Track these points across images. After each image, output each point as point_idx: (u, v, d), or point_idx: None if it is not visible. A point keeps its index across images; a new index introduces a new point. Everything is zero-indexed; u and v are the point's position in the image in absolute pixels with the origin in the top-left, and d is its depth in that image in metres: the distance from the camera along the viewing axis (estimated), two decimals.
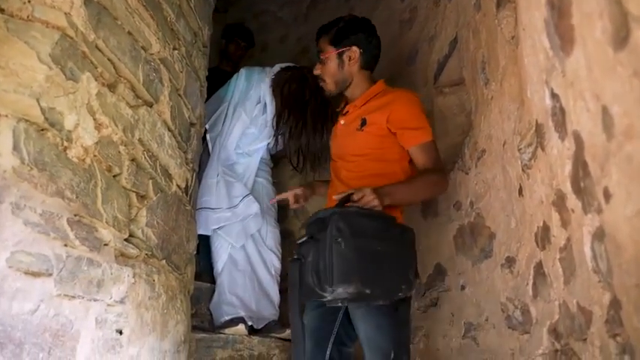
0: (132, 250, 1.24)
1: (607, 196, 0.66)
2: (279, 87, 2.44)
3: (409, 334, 1.62)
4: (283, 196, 2.00)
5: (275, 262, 2.41)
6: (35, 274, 0.94)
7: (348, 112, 1.81)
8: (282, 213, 2.79)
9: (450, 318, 1.84)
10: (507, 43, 1.32)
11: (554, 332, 1.15)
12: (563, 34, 0.69)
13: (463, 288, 1.79)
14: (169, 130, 1.50)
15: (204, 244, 2.39)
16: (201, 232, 2.27)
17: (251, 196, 2.37)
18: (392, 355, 1.44)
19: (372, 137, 1.69)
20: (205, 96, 1.95)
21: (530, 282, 1.29)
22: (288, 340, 2.24)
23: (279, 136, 2.44)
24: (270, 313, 2.29)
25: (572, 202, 0.90)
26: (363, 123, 1.71)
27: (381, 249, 1.40)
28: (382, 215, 1.48)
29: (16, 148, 0.92)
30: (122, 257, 1.21)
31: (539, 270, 1.24)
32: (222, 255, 2.30)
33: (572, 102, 0.75)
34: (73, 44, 1.06)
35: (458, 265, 1.81)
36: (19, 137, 0.92)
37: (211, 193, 2.33)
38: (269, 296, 2.33)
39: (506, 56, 1.35)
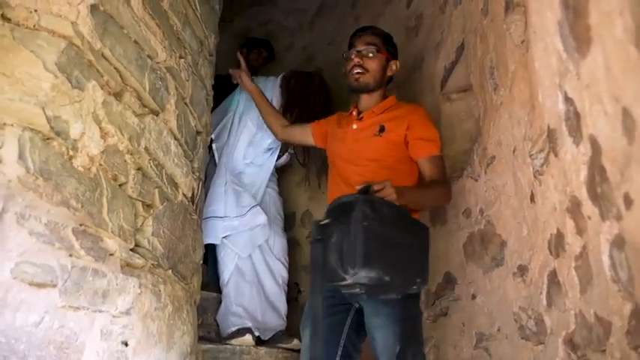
0: (138, 260, 1.22)
1: (628, 202, 0.64)
2: (285, 80, 2.56)
3: (420, 331, 1.60)
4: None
5: (282, 272, 2.39)
6: (40, 285, 0.92)
7: (363, 117, 1.82)
8: (289, 222, 2.77)
9: (461, 328, 1.80)
10: (516, 47, 1.30)
11: (570, 343, 1.11)
12: (578, 35, 0.67)
13: (474, 297, 1.76)
14: (175, 138, 1.49)
15: (212, 253, 2.38)
16: (210, 241, 2.26)
17: (258, 207, 2.36)
18: (397, 349, 1.43)
19: (388, 144, 1.73)
20: (212, 104, 1.95)
21: (544, 291, 1.26)
22: (296, 351, 2.21)
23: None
24: (277, 323, 2.27)
25: (589, 208, 0.87)
26: (382, 129, 1.75)
27: (402, 239, 1.41)
28: (404, 208, 1.50)
29: (21, 157, 0.91)
30: (128, 267, 1.19)
31: (553, 279, 1.21)
32: (228, 265, 2.29)
33: (588, 105, 0.73)
34: (79, 53, 1.06)
35: (468, 274, 1.78)
36: (24, 146, 0.92)
37: (219, 202, 2.32)
38: (276, 306, 2.31)
39: (515, 61, 1.33)
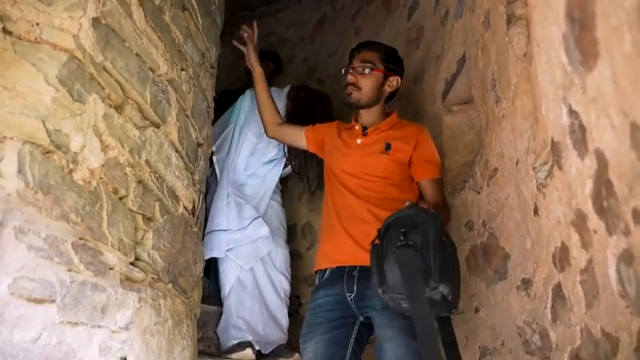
0: (138, 274, 1.21)
1: (637, 217, 0.63)
2: (295, 90, 2.60)
3: None
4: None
5: (284, 285, 2.37)
6: (38, 301, 0.91)
7: (367, 133, 1.82)
8: (290, 234, 2.76)
9: (464, 342, 1.78)
10: (519, 60, 1.30)
11: (576, 358, 1.10)
12: (584, 49, 0.66)
13: (477, 310, 1.74)
14: (176, 151, 1.49)
15: (214, 266, 2.36)
16: (214, 254, 2.25)
17: (260, 219, 2.34)
18: None
19: (395, 163, 1.74)
20: (212, 117, 1.95)
21: (549, 305, 1.24)
22: None
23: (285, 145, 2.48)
24: (279, 337, 2.24)
25: (594, 222, 0.86)
26: (388, 147, 1.75)
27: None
28: None
29: (20, 171, 0.90)
30: (127, 281, 1.18)
31: (558, 292, 1.19)
32: (230, 277, 2.26)
33: (594, 118, 0.72)
34: (81, 66, 1.06)
35: (471, 287, 1.76)
36: (23, 160, 0.91)
37: (222, 215, 2.31)
38: (277, 319, 2.28)
39: (517, 74, 1.33)
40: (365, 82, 1.82)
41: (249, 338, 2.11)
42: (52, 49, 1.00)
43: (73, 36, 1.04)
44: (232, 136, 2.51)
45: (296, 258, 2.75)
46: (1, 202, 0.87)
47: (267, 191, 2.47)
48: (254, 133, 2.49)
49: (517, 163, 1.42)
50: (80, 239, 1.03)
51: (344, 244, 1.65)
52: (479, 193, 1.77)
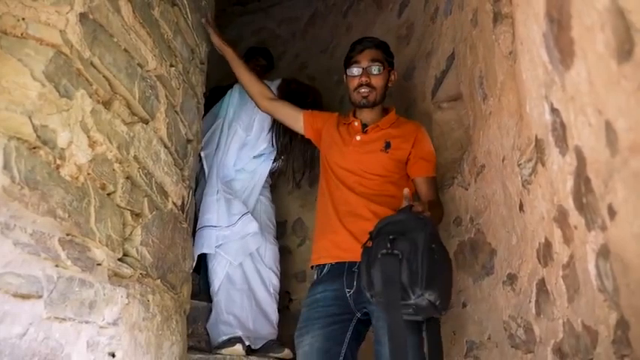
0: (126, 270, 1.21)
1: (612, 213, 0.64)
2: (285, 83, 2.57)
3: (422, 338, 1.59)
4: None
5: (274, 280, 2.37)
6: (24, 297, 0.91)
7: (367, 131, 1.81)
8: (281, 230, 2.77)
9: (452, 336, 1.80)
10: (505, 58, 1.31)
11: (558, 352, 1.12)
12: (562, 48, 0.68)
13: (464, 306, 1.76)
14: (165, 147, 1.49)
15: (205, 262, 2.36)
16: (205, 250, 2.25)
17: (249, 215, 2.35)
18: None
19: (393, 161, 1.75)
20: (202, 113, 1.95)
21: (533, 299, 1.26)
22: None
23: (275, 139, 2.47)
24: (269, 332, 2.25)
25: (575, 218, 0.88)
26: (388, 146, 1.76)
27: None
28: None
29: (6, 166, 0.90)
30: (116, 277, 1.18)
31: (541, 287, 1.21)
32: (219, 274, 2.27)
33: (573, 117, 0.73)
34: (68, 61, 1.05)
35: (459, 282, 1.78)
36: (9, 155, 0.91)
37: (212, 211, 2.31)
38: (267, 315, 2.29)
39: (504, 72, 1.34)
40: (377, 82, 1.81)
41: (239, 334, 2.12)
42: (38, 45, 1.00)
43: (60, 31, 1.03)
44: (221, 131, 2.51)
45: (286, 254, 2.76)
46: None
47: (256, 186, 2.47)
48: (243, 128, 2.49)
49: (503, 160, 1.44)
50: (67, 235, 1.03)
51: (343, 240, 1.65)
52: (466, 189, 1.79)
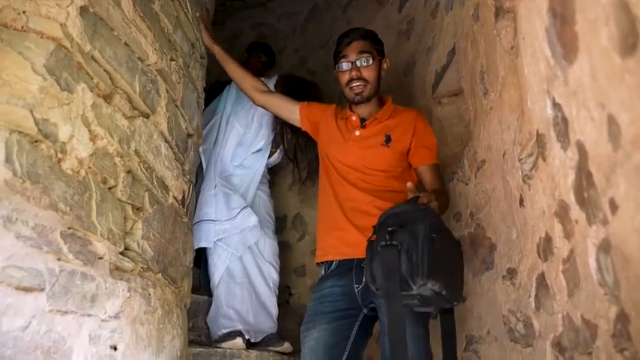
0: (127, 264, 1.21)
1: (613, 207, 0.65)
2: (282, 79, 2.57)
3: (428, 331, 1.59)
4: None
5: (273, 275, 2.38)
6: (27, 290, 0.91)
7: (366, 125, 1.78)
8: (280, 225, 2.77)
9: None
10: (506, 53, 1.31)
11: (557, 345, 1.12)
12: (565, 42, 0.68)
13: (464, 300, 1.77)
14: (166, 141, 1.49)
15: (205, 256, 2.37)
16: (203, 244, 2.26)
17: (249, 208, 2.35)
18: (413, 349, 1.40)
19: (395, 154, 1.72)
20: (203, 107, 1.94)
21: (533, 294, 1.27)
22: (287, 354, 2.20)
23: (276, 133, 2.47)
24: (269, 326, 2.26)
25: (576, 212, 0.88)
26: (388, 139, 1.73)
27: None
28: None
29: (8, 160, 0.90)
30: (117, 271, 1.18)
31: (541, 282, 1.22)
32: (219, 267, 2.28)
33: (575, 111, 0.73)
34: (68, 55, 1.05)
35: None
36: (11, 149, 0.91)
37: (210, 205, 2.31)
38: (267, 309, 2.30)
39: (505, 66, 1.34)
40: (369, 74, 1.75)
41: (239, 327, 2.13)
42: (39, 38, 0.99)
43: (61, 24, 1.03)
44: (219, 126, 2.51)
45: (286, 249, 2.77)
46: None
47: (254, 181, 2.47)
48: (241, 124, 2.49)
49: (504, 155, 1.44)
50: (69, 229, 1.03)
51: (351, 237, 1.63)
52: (467, 184, 1.79)
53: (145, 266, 1.31)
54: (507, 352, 1.45)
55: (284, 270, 2.54)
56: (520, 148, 1.25)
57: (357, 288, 1.59)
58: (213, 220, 2.28)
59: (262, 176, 2.55)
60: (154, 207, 1.38)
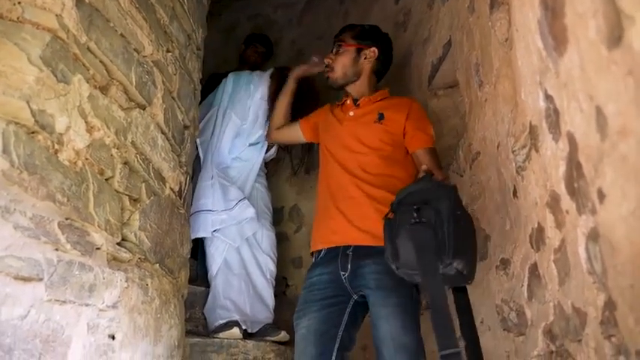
0: (124, 254, 1.22)
1: (601, 196, 0.66)
2: (278, 71, 2.57)
3: (419, 319, 1.60)
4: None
5: (270, 266, 2.40)
6: (25, 279, 0.92)
7: (360, 105, 1.86)
8: (277, 216, 2.78)
9: None
10: (501, 45, 1.32)
11: (549, 333, 1.14)
12: (556, 35, 0.69)
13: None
14: (163, 132, 1.49)
15: (202, 247, 2.39)
16: (201, 234, 2.27)
17: (246, 200, 2.37)
18: (405, 339, 1.47)
19: (386, 133, 1.76)
20: (199, 99, 1.95)
21: (525, 284, 1.29)
22: (283, 344, 2.23)
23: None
24: (265, 316, 2.28)
25: (567, 203, 0.89)
26: (381, 117, 1.78)
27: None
28: None
29: (5, 150, 0.90)
30: (115, 261, 1.19)
31: (534, 271, 1.24)
32: (217, 258, 2.29)
33: (565, 103, 0.75)
34: (64, 46, 1.05)
35: None
36: (8, 140, 0.91)
37: (207, 196, 2.33)
38: (264, 300, 2.32)
39: (499, 58, 1.35)
40: (337, 61, 1.90)
41: (236, 318, 2.15)
42: (34, 29, 1.00)
43: (56, 15, 1.03)
44: (216, 118, 2.52)
45: (283, 240, 2.78)
46: None
47: (252, 173, 2.48)
48: (238, 116, 2.50)
49: (498, 147, 1.45)
50: (67, 219, 1.04)
51: (338, 225, 1.67)
52: (462, 176, 1.81)
53: (143, 257, 1.32)
54: (500, 341, 1.47)
55: (281, 261, 2.55)
56: (514, 139, 1.26)
57: (343, 275, 1.61)
58: (211, 211, 2.30)
59: (260, 169, 2.56)
60: (151, 198, 1.39)
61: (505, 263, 1.44)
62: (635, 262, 0.59)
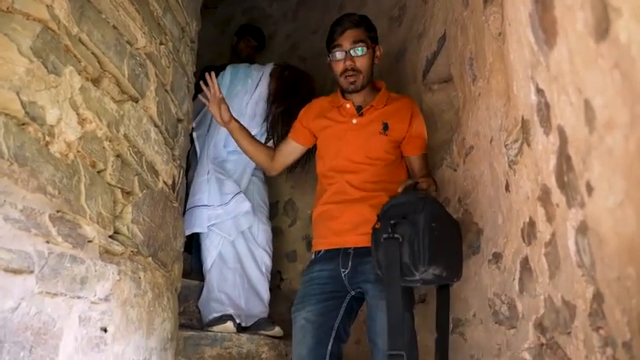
0: (117, 247, 1.22)
1: (589, 189, 0.66)
2: (278, 69, 2.56)
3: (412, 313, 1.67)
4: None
5: (266, 260, 2.40)
6: (16, 272, 0.92)
7: (363, 113, 1.77)
8: (272, 210, 2.79)
9: None
10: (494, 39, 1.32)
11: (539, 326, 1.15)
12: (546, 28, 0.69)
13: (451, 284, 1.79)
14: (156, 125, 1.49)
15: (197, 241, 2.38)
16: (196, 229, 2.27)
17: (242, 194, 2.37)
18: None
19: (391, 143, 1.76)
20: (193, 92, 1.94)
21: (517, 277, 1.30)
22: (278, 338, 2.23)
23: (269, 125, 2.47)
24: (260, 310, 2.29)
25: (557, 196, 0.90)
26: (386, 127, 1.75)
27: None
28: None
29: None
30: (107, 254, 1.19)
31: (525, 265, 1.25)
32: (212, 252, 2.29)
33: (556, 96, 0.75)
34: (55, 37, 1.05)
35: None
36: None
37: (203, 191, 2.32)
38: (259, 294, 2.33)
39: (493, 53, 1.35)
40: (362, 63, 1.74)
41: (230, 311, 2.15)
42: (25, 20, 0.99)
43: (47, 6, 1.02)
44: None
45: (278, 234, 2.79)
46: None
47: (248, 166, 2.48)
48: (235, 111, 2.48)
49: (491, 141, 1.45)
50: (58, 212, 1.03)
51: (339, 227, 1.69)
52: (455, 170, 1.81)
53: (135, 250, 1.32)
54: (492, 334, 1.48)
55: (275, 255, 2.56)
56: (506, 134, 1.26)
57: (343, 272, 1.65)
58: (207, 206, 2.29)
59: None
60: (144, 191, 1.39)
61: (497, 257, 1.45)
62: (622, 254, 0.59)
